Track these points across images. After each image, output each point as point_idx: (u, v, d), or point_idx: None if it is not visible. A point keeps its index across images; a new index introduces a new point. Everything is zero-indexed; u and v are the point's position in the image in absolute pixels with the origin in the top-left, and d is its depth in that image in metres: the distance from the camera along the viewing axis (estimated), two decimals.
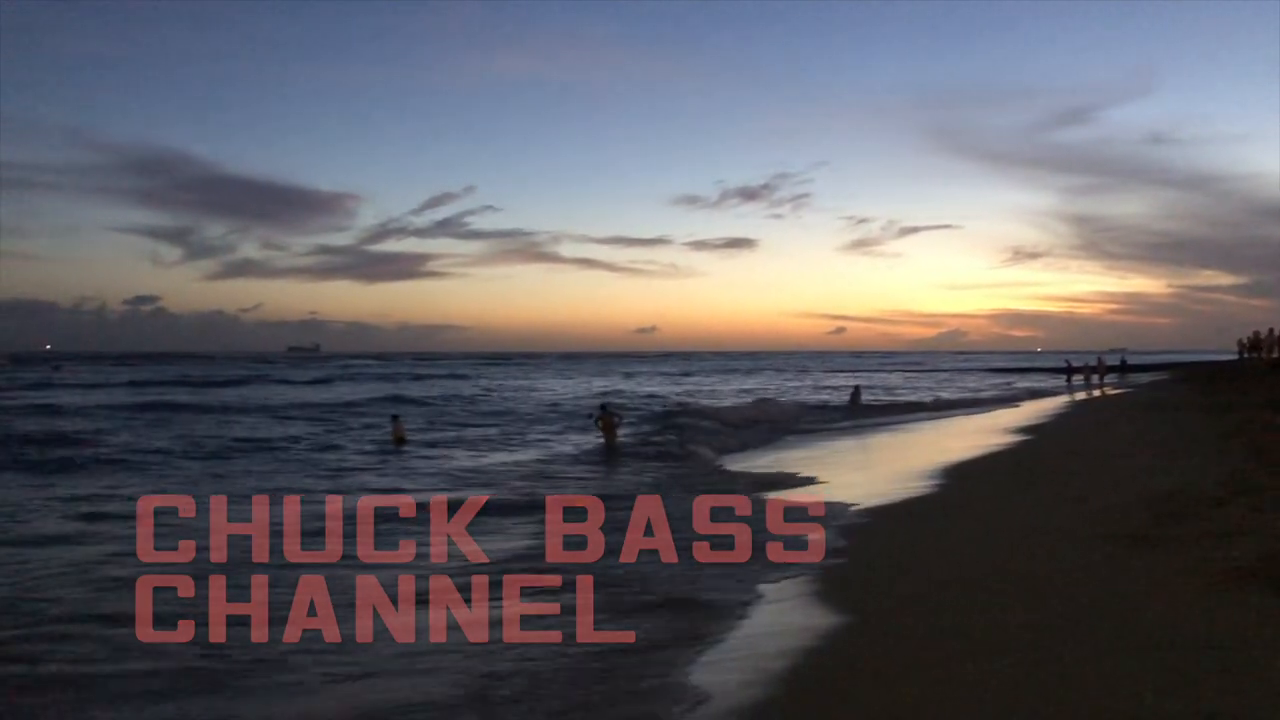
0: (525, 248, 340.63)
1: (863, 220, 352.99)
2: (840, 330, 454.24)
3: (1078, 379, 59.67)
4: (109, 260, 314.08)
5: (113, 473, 19.72)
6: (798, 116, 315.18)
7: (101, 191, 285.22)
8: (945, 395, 54.45)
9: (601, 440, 25.31)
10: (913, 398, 51.68)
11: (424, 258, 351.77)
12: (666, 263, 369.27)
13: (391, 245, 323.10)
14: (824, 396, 53.00)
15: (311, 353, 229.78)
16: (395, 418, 28.98)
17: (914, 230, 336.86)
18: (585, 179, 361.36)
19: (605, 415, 25.86)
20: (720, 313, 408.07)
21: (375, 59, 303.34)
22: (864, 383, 55.05)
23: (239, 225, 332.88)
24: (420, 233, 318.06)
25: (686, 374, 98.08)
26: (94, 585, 9.61)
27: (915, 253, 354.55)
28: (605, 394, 51.94)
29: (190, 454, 23.01)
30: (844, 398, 46.47)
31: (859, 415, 38.03)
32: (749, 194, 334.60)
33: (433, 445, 26.50)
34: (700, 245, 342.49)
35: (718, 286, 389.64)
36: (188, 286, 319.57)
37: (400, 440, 26.69)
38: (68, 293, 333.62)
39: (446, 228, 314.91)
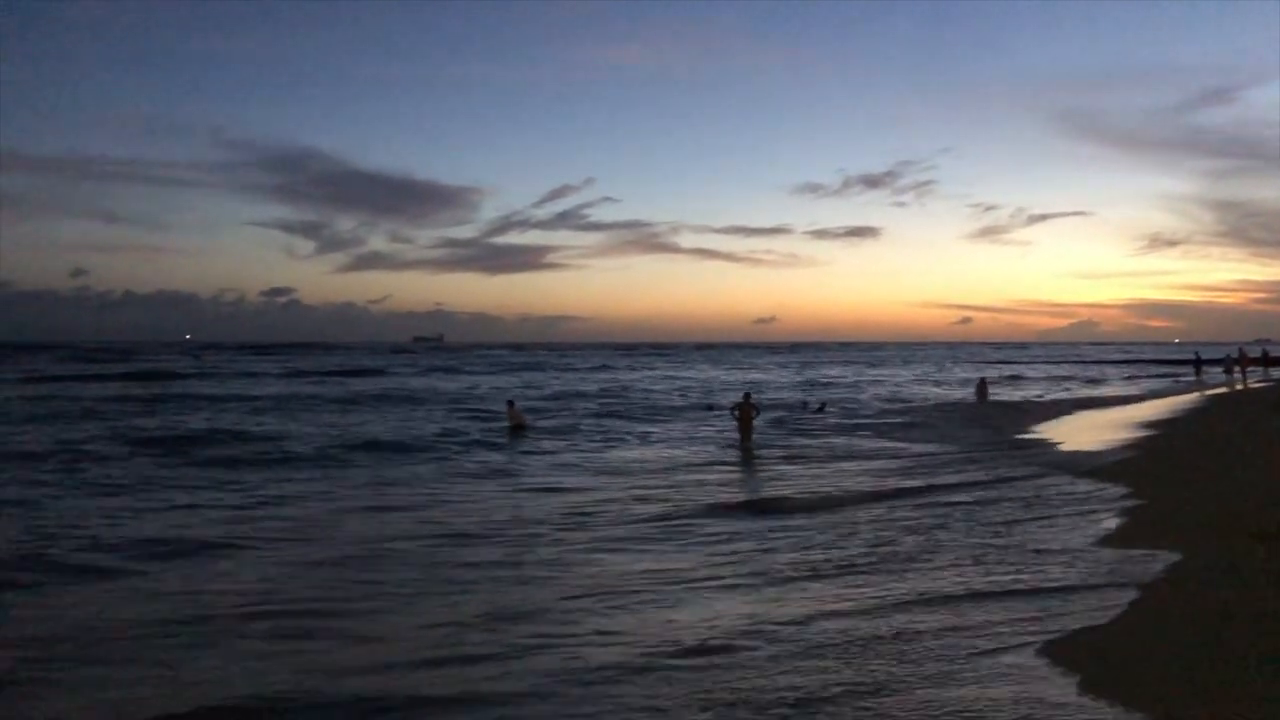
0: (644, 239, 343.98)
1: (990, 208, 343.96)
2: (966, 321, 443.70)
3: (1215, 372, 57.04)
4: (247, 253, 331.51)
5: (331, 468, 20.22)
6: (922, 102, 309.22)
7: (240, 187, 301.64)
8: (1080, 388, 53.38)
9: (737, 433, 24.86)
10: (1037, 392, 50.77)
11: (544, 249, 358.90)
12: (786, 252, 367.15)
13: (513, 237, 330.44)
14: (943, 390, 52.52)
15: (435, 343, 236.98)
16: (510, 404, 29.93)
17: (1044, 218, 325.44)
18: (704, 169, 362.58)
19: (745, 406, 25.12)
20: (841, 303, 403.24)
21: (498, 55, 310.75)
22: (990, 375, 54.13)
23: (368, 219, 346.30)
24: (541, 225, 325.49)
25: (807, 364, 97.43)
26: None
27: (1045, 241, 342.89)
28: (731, 386, 52.62)
29: (381, 446, 23.75)
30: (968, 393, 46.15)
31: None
32: (872, 181, 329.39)
33: (564, 435, 27.00)
34: (821, 234, 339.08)
35: (839, 276, 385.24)
36: (320, 279, 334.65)
37: (519, 427, 27.39)
38: (208, 285, 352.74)
39: (566, 220, 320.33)
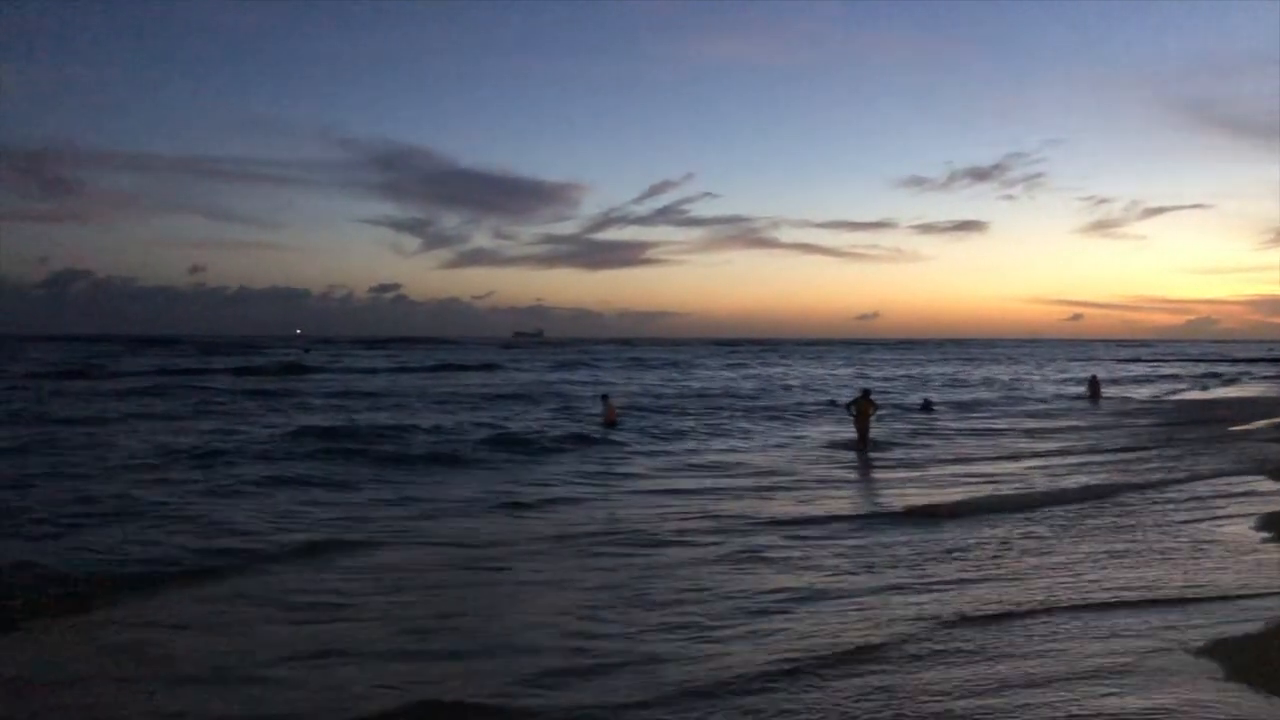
0: (744, 234, 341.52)
1: (1102, 200, 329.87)
2: (1077, 317, 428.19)
3: None
4: (356, 250, 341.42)
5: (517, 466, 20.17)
6: (1031, 92, 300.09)
7: (349, 186, 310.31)
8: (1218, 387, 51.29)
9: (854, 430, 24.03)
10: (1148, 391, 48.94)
11: (644, 245, 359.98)
12: (890, 247, 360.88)
13: (613, 233, 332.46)
14: (1058, 388, 51.00)
15: (535, 338, 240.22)
16: (605, 398, 29.88)
17: (1160, 211, 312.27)
18: (805, 163, 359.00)
19: (864, 403, 24.18)
20: (947, 299, 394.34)
21: (599, 51, 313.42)
22: (1101, 374, 52.39)
23: (472, 216, 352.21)
24: (641, 220, 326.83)
25: (913, 361, 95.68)
26: None
27: (1161, 235, 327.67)
28: (834, 383, 52.05)
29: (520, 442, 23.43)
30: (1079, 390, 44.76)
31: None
32: (979, 174, 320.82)
33: (672, 433, 26.69)
34: (926, 228, 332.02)
35: (944, 271, 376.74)
36: (425, 275, 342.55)
37: (612, 423, 27.25)
38: (319, 280, 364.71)
39: (666, 215, 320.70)
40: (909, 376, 64.46)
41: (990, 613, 8.50)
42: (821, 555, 11.25)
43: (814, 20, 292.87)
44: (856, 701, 6.40)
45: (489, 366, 74.95)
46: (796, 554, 11.34)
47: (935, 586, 9.59)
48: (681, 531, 12.73)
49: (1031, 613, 8.47)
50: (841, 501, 15.68)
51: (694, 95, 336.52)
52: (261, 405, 35.18)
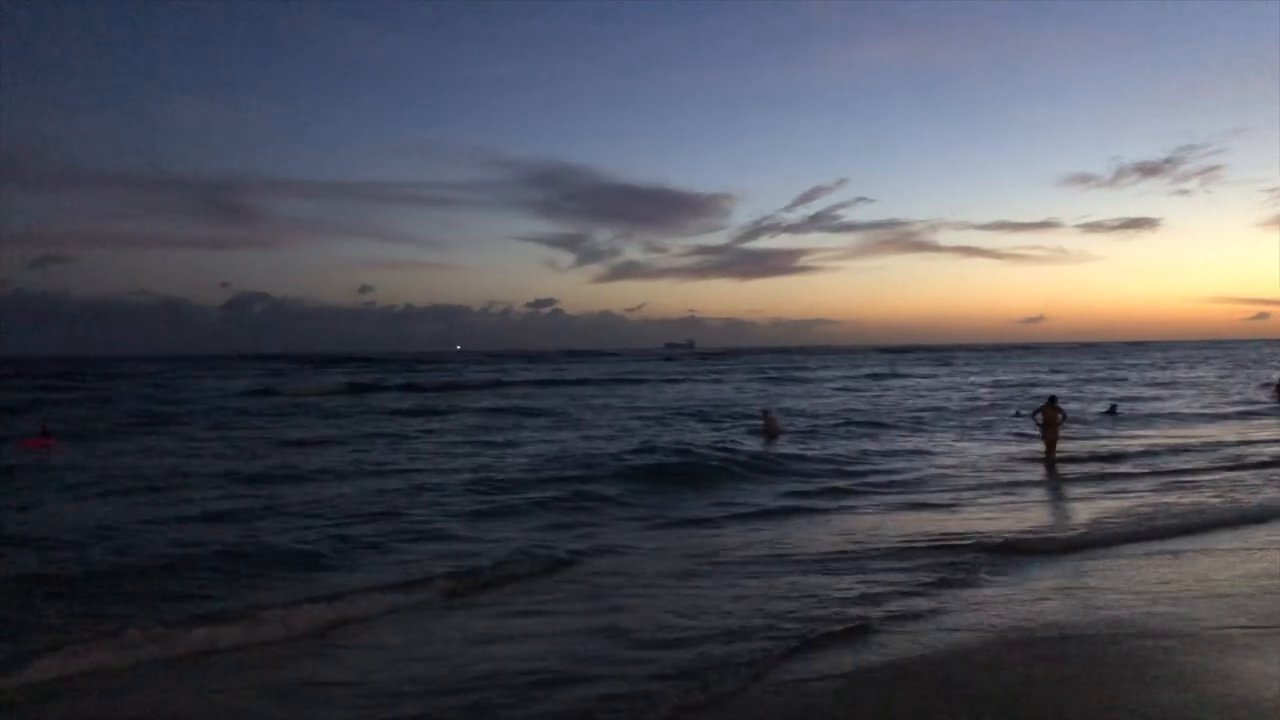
0: (900, 238, 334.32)
1: None
2: (1262, 316, 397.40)
3: None
4: (513, 267, 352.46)
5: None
6: (1206, 80, 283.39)
7: (506, 205, 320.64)
8: None
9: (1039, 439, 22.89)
10: None
11: (797, 253, 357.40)
12: (1054, 247, 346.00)
13: (765, 242, 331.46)
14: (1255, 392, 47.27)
15: (687, 349, 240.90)
16: (765, 412, 29.65)
17: None
18: (963, 164, 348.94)
19: (1050, 410, 22.71)
20: (1116, 299, 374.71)
21: (745, 61, 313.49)
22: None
23: (624, 230, 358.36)
24: (793, 228, 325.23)
25: (1084, 364, 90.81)
26: None
27: None
28: (999, 388, 49.88)
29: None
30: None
31: None
32: (1149, 169, 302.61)
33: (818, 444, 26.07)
34: (1093, 228, 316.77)
35: (1113, 271, 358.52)
36: (579, 289, 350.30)
37: (772, 435, 26.91)
38: (479, 297, 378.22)
39: (819, 222, 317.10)
40: (1084, 380, 61.19)
41: None
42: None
43: (966, 19, 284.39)
44: None
45: (672, 380, 74.26)
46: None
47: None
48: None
49: None
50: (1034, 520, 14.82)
51: (846, 100, 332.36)
52: (498, 421, 35.02)
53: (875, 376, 76.62)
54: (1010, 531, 13.29)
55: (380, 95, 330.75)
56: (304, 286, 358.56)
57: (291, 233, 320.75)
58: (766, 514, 15.62)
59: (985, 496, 17.16)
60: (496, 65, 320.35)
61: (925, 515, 15.19)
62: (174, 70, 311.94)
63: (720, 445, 24.65)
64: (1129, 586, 9.95)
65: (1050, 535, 13.23)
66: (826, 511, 15.74)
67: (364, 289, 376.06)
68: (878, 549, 12.24)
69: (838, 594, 9.85)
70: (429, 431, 31.29)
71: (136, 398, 52.49)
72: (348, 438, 29.09)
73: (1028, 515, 15.02)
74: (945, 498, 17.09)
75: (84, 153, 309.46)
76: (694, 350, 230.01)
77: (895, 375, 78.04)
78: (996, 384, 60.77)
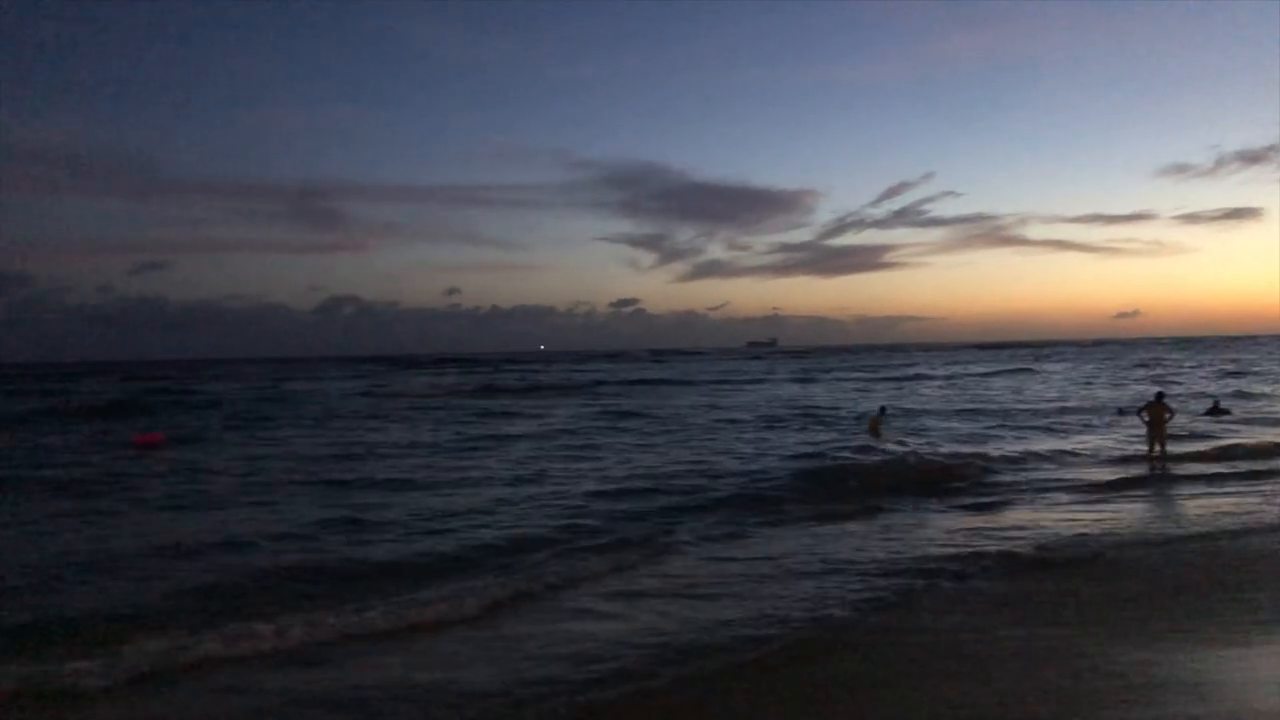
0: (988, 232, 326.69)
1: None
2: None
3: None
4: (595, 267, 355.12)
5: None
6: None
7: (588, 205, 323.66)
8: None
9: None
10: None
11: (882, 249, 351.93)
12: (1150, 240, 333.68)
13: (849, 238, 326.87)
14: None
15: (769, 347, 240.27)
16: (883, 409, 30.17)
17: None
18: (1053, 155, 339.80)
19: (1157, 407, 22.17)
20: (1217, 293, 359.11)
21: (826, 56, 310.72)
22: None
23: (705, 229, 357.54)
24: (878, 224, 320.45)
25: (1184, 359, 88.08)
26: None
27: None
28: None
29: None
30: None
31: None
32: (1252, 157, 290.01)
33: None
34: (1191, 218, 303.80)
35: (1213, 264, 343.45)
36: (662, 288, 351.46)
37: (878, 434, 26.74)
38: (562, 298, 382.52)
39: (904, 217, 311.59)
40: (1184, 375, 59.71)
41: None
42: None
43: (1053, 6, 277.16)
44: None
45: (758, 380, 73.32)
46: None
47: None
48: None
49: None
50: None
51: (930, 93, 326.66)
52: (642, 425, 34.33)
53: (972, 373, 76.01)
54: None
55: (464, 99, 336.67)
56: (392, 289, 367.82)
57: (379, 236, 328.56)
58: None
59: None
60: (579, 67, 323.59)
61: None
62: (262, 79, 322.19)
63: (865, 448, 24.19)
64: None
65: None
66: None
67: (450, 291, 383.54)
68: None
69: None
70: (569, 431, 31.95)
71: (251, 399, 53.70)
72: (535, 434, 30.47)
73: None
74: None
75: (179, 162, 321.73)
76: (777, 349, 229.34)
77: (989, 374, 75.93)
78: (1112, 381, 59.19)
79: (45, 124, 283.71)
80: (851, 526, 15.07)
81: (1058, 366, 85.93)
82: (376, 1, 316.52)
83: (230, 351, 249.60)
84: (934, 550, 12.85)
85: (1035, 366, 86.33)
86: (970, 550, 12.71)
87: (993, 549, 12.73)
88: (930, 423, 32.67)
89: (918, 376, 73.57)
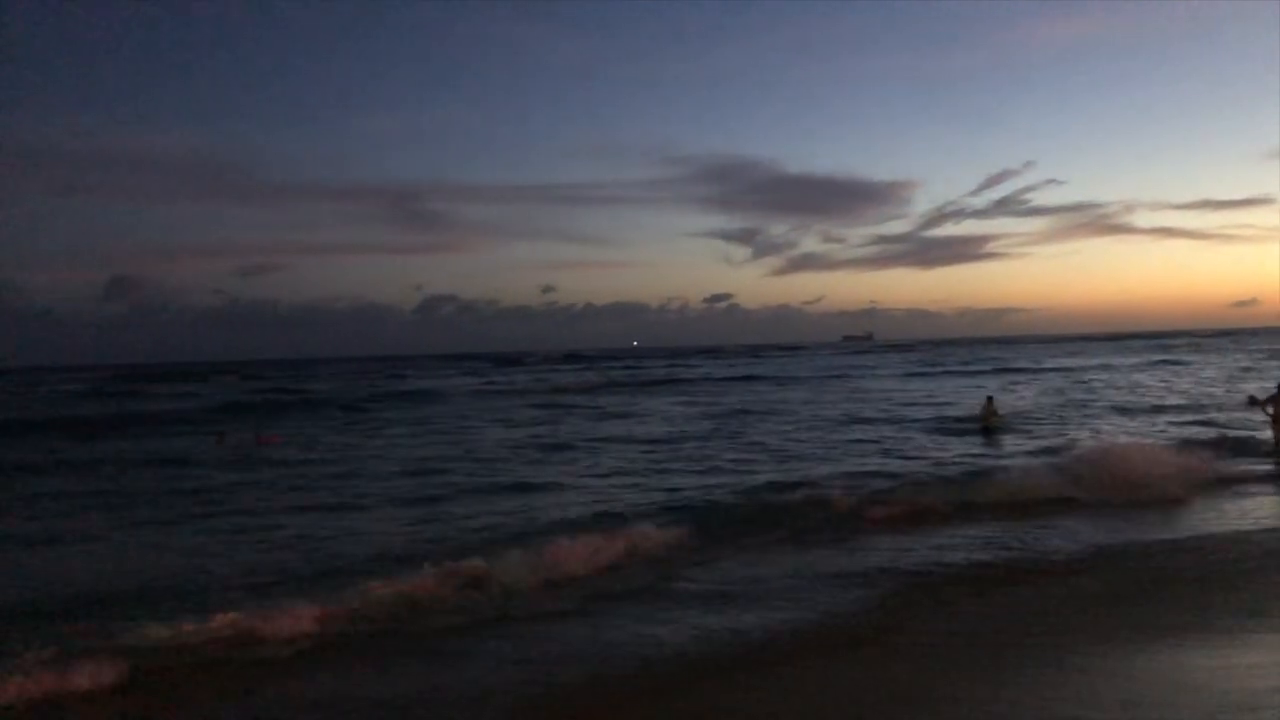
0: (1093, 220, 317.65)
1: None
2: None
3: None
4: (689, 263, 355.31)
5: None
6: None
7: (681, 201, 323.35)
8: None
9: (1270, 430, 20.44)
10: None
11: (982, 239, 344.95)
12: (1266, 225, 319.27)
13: (948, 229, 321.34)
14: None
15: (865, 341, 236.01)
16: (990, 399, 29.26)
17: None
18: (1158, 140, 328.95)
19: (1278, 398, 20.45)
20: None
21: (921, 45, 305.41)
22: None
23: (800, 222, 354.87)
24: (978, 214, 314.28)
25: None
26: None
27: None
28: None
29: None
30: None
31: None
32: None
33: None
34: None
35: None
36: (756, 283, 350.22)
37: (990, 427, 26.53)
38: (656, 294, 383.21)
39: (1005, 206, 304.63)
40: None
41: None
42: None
43: None
44: None
45: (863, 372, 73.02)
46: None
47: None
48: None
49: None
50: None
51: (1029, 81, 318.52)
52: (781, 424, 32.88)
53: (1087, 365, 72.92)
54: None
55: (558, 98, 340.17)
56: (490, 288, 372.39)
57: (477, 236, 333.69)
58: None
59: None
60: (671, 63, 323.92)
61: None
62: (361, 84, 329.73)
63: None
64: None
65: None
66: None
67: (546, 289, 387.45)
68: None
69: None
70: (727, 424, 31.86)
71: (372, 395, 54.93)
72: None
73: None
74: None
75: (283, 167, 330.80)
76: (874, 342, 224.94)
77: (1143, 366, 70.75)
78: (1244, 371, 55.80)
79: (157, 133, 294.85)
80: None
81: (1194, 358, 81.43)
82: (472, 5, 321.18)
83: (337, 350, 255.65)
84: None
85: (1180, 358, 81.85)
86: None
87: None
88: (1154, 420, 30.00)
89: (1060, 369, 69.56)
